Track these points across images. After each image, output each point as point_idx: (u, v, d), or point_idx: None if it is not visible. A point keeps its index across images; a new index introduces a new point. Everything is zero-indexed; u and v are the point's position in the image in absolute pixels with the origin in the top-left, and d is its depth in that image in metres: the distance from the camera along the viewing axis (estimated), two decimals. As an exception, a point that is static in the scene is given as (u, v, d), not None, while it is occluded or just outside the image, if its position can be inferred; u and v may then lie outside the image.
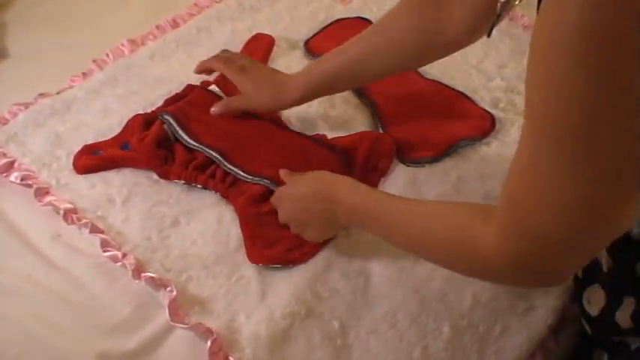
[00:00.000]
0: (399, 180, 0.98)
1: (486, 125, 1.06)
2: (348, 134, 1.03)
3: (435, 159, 1.01)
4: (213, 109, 1.01)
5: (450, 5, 0.86)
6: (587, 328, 0.79)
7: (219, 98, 1.05)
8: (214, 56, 1.05)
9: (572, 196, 0.52)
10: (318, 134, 1.03)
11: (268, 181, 0.94)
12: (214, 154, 0.97)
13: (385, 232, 0.77)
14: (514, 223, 0.58)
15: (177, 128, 0.99)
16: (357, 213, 0.79)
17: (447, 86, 1.12)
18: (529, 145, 0.55)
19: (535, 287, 0.81)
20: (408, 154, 1.02)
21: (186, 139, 0.99)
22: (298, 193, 0.87)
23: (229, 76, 1.01)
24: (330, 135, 1.03)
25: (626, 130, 0.49)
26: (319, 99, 1.10)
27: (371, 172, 0.99)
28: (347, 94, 1.12)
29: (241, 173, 0.95)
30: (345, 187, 0.81)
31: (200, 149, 0.98)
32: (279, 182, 0.93)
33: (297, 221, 0.87)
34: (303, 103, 1.00)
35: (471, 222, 0.64)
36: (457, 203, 0.77)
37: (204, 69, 1.05)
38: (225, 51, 1.07)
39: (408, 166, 1.00)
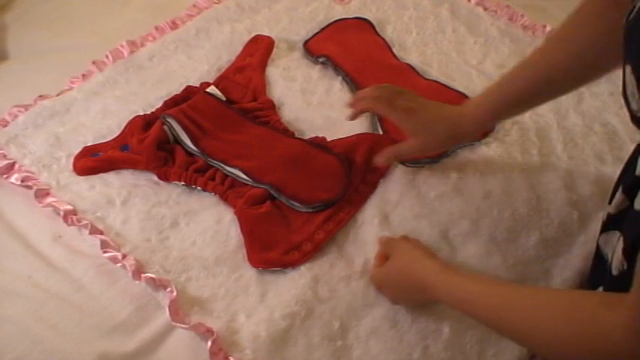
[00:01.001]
0: (399, 180, 0.98)
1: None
2: (347, 136, 1.03)
3: (435, 160, 1.01)
4: (379, 159, 0.94)
5: None
6: None
7: (221, 101, 1.05)
8: (371, 96, 0.92)
9: None
10: (317, 137, 1.03)
11: (270, 187, 0.94)
12: (215, 162, 0.97)
13: (493, 323, 0.71)
14: None
15: (180, 132, 0.99)
16: (461, 304, 0.75)
17: (446, 86, 1.12)
18: None
19: None
20: None
21: (188, 144, 0.99)
22: (395, 283, 0.84)
23: (394, 119, 0.91)
24: (329, 137, 1.03)
25: None
26: (318, 100, 1.11)
27: (370, 173, 0.99)
28: (346, 95, 1.12)
29: (243, 176, 0.96)
30: (441, 286, 0.76)
31: (201, 155, 0.98)
32: (281, 188, 0.94)
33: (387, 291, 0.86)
34: (480, 134, 0.93)
35: (595, 314, 0.59)
36: (575, 293, 0.72)
37: (361, 111, 0.95)
38: (378, 88, 0.93)
39: (407, 166, 1.00)
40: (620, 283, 0.69)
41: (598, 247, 0.79)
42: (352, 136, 1.02)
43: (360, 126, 1.06)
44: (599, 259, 0.78)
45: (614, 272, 0.71)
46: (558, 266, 0.90)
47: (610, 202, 0.75)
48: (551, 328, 0.63)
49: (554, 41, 0.86)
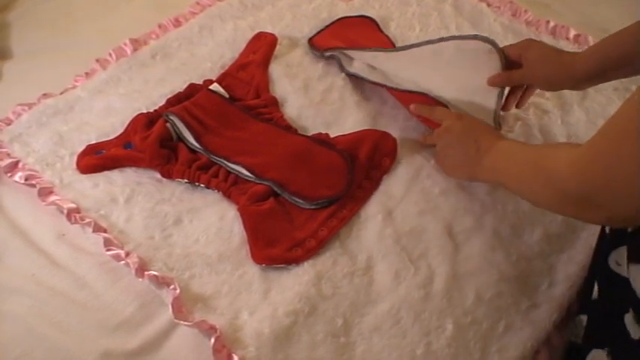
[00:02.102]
0: (403, 176, 0.98)
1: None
2: (350, 132, 1.03)
3: None
4: (490, 81, 0.99)
5: None
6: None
7: (223, 99, 1.05)
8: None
9: None
10: (320, 133, 1.03)
11: (273, 183, 0.94)
12: (218, 158, 0.97)
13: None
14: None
15: (183, 129, 1.00)
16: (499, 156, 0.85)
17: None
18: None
19: (588, 216, 0.76)
20: None
21: (191, 142, 0.99)
22: (457, 131, 0.92)
23: (517, 51, 0.98)
24: (332, 134, 1.03)
25: None
26: (321, 97, 1.11)
27: (374, 169, 0.99)
28: (348, 92, 1.12)
29: (246, 173, 0.96)
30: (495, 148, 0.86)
31: (204, 152, 0.98)
32: (284, 184, 0.94)
33: (445, 151, 0.95)
34: (590, 83, 0.96)
35: (554, 150, 0.73)
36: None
37: (503, 81, 1.00)
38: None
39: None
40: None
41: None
42: (356, 132, 1.02)
43: (363, 122, 1.06)
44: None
45: (629, 229, 0.74)
46: (562, 261, 0.90)
47: None
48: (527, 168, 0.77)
49: None
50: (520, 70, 0.97)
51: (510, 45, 0.99)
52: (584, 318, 0.81)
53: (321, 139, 1.01)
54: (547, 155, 0.74)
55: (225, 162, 0.97)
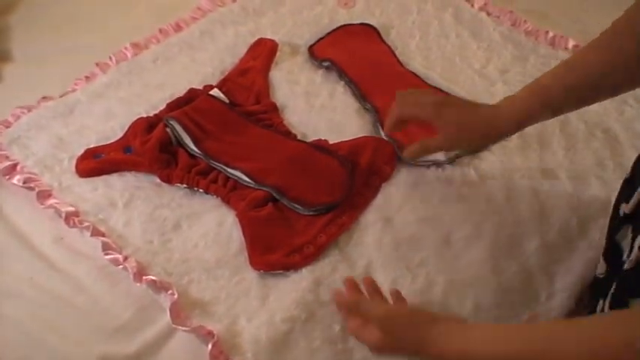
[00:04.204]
0: (402, 184, 0.98)
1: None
2: (350, 139, 1.03)
3: (448, 161, 1.01)
4: (406, 154, 0.91)
5: None
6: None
7: (223, 104, 1.05)
8: (396, 104, 0.90)
9: None
10: (320, 139, 1.03)
11: (272, 189, 0.94)
12: (217, 164, 0.97)
13: None
14: None
15: (182, 134, 1.00)
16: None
17: (448, 93, 1.12)
18: None
19: None
20: None
21: (190, 147, 0.99)
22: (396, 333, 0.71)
23: (427, 118, 0.87)
24: (332, 140, 1.03)
25: None
26: (321, 103, 1.11)
27: (373, 176, 0.99)
28: (348, 99, 1.12)
29: (245, 178, 0.96)
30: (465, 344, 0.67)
31: (203, 158, 0.98)
32: (283, 190, 0.94)
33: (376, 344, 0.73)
34: (516, 132, 0.88)
35: (629, 337, 0.56)
36: (606, 317, 0.67)
37: (395, 123, 0.90)
38: (401, 95, 0.91)
39: (417, 164, 0.99)
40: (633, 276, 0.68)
41: (611, 242, 0.78)
42: (355, 139, 1.03)
43: (363, 129, 1.07)
44: (611, 254, 0.77)
45: (626, 266, 0.70)
46: (560, 272, 0.90)
47: (626, 202, 0.75)
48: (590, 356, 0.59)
49: (589, 48, 0.83)
50: (436, 139, 0.88)
51: (422, 106, 0.88)
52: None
53: (321, 146, 1.01)
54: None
55: (225, 167, 0.97)
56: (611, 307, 0.71)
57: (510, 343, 0.64)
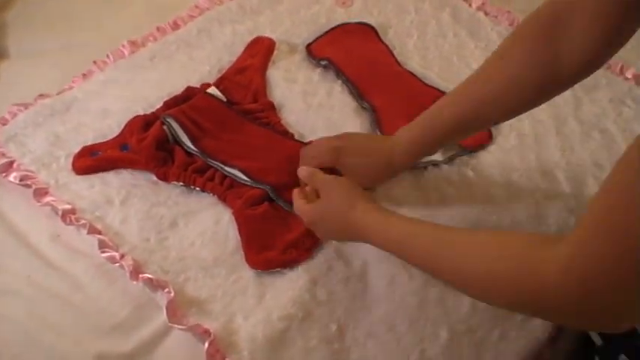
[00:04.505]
0: (401, 183, 0.98)
1: (484, 137, 1.06)
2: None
3: (447, 160, 1.01)
4: (301, 173, 0.90)
5: (566, 36, 0.75)
6: (596, 339, 0.77)
7: (221, 103, 1.05)
8: (301, 160, 0.94)
9: None
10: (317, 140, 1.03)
11: (269, 187, 0.94)
12: (214, 162, 0.97)
13: (427, 264, 0.71)
14: (604, 232, 0.52)
15: (179, 132, 1.00)
16: (395, 245, 0.75)
17: (446, 93, 1.12)
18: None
19: (596, 327, 0.71)
20: None
21: (187, 145, 0.99)
22: (327, 224, 0.84)
23: (330, 165, 0.91)
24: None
25: None
26: (318, 102, 1.11)
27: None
28: (346, 98, 1.12)
29: (242, 177, 0.96)
30: (373, 223, 0.77)
31: (200, 155, 0.98)
32: (279, 189, 0.94)
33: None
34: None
35: (527, 251, 0.58)
36: (510, 233, 0.73)
37: (308, 175, 0.89)
38: (304, 150, 0.96)
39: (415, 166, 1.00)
40: None
41: None
42: None
43: (360, 128, 1.07)
44: None
45: None
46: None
47: None
48: (481, 266, 0.62)
49: (482, 71, 0.86)
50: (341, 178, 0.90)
51: (321, 156, 0.92)
52: None
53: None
54: (520, 256, 0.60)
55: (222, 166, 0.97)
56: None
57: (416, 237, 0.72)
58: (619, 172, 0.52)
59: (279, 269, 0.88)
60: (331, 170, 0.91)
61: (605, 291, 0.52)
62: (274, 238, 0.90)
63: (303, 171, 0.89)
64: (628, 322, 0.57)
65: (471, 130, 0.91)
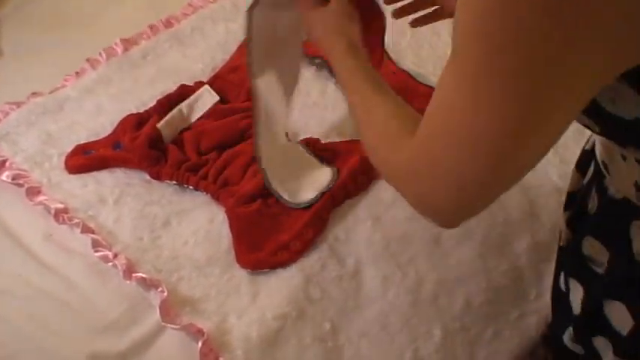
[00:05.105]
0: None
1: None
2: (342, 140, 1.03)
3: None
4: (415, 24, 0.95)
5: None
6: None
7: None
8: None
9: (486, 131, 0.50)
10: (311, 138, 1.03)
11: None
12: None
13: (354, 115, 0.75)
14: (425, 152, 0.57)
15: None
16: (344, 87, 0.78)
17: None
18: (453, 78, 0.52)
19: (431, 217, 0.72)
20: None
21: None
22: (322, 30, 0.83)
23: None
24: (323, 138, 1.03)
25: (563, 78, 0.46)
26: (312, 101, 1.10)
27: (362, 175, 0.98)
28: (339, 97, 1.12)
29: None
30: (344, 65, 0.79)
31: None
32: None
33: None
34: None
35: (403, 135, 0.63)
36: (408, 113, 0.73)
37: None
38: None
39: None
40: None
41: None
42: (349, 141, 1.02)
43: (354, 127, 1.06)
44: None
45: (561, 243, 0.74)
46: (550, 271, 0.90)
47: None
48: (373, 138, 0.69)
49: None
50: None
51: None
52: None
53: (307, 144, 1.01)
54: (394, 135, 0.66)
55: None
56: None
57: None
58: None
59: (268, 270, 0.88)
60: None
61: (430, 177, 0.58)
62: (265, 237, 0.90)
63: None
64: (452, 218, 0.65)
65: None
